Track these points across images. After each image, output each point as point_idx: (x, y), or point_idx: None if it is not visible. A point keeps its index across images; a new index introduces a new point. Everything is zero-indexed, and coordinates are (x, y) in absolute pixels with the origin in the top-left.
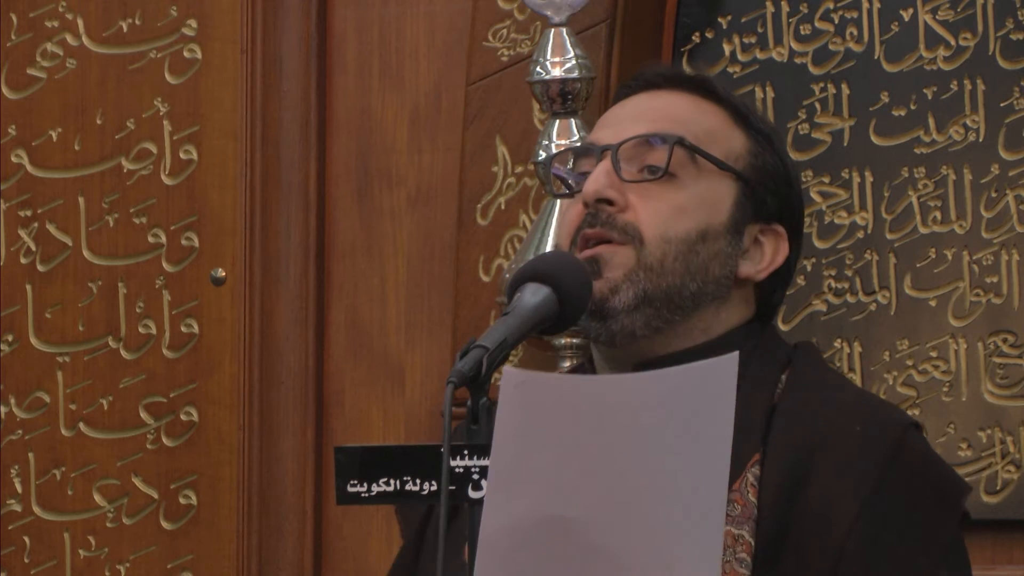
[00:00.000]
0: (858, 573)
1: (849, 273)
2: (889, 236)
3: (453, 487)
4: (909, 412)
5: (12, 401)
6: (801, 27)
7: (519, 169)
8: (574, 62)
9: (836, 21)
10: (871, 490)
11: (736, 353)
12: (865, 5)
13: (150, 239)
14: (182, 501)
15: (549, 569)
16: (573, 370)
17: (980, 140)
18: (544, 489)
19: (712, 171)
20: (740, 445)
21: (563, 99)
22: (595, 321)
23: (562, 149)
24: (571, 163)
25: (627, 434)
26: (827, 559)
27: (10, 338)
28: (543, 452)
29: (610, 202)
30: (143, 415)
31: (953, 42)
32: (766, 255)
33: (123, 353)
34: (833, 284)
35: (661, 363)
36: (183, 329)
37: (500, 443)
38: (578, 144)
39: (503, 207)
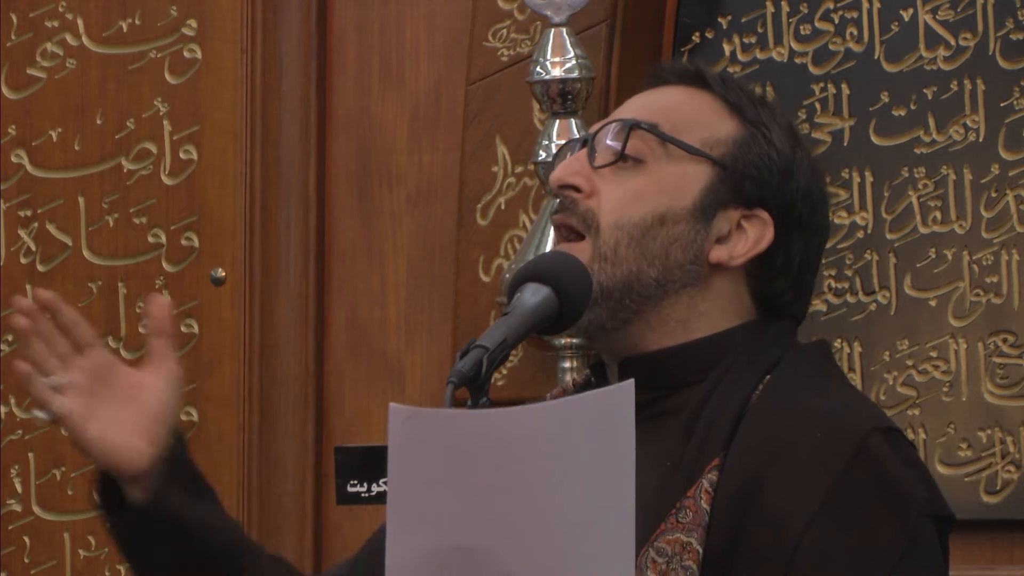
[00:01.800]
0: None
1: (849, 273)
2: (889, 236)
3: None
4: (909, 412)
5: (12, 401)
6: (801, 27)
7: (519, 169)
8: (574, 62)
9: (836, 21)
10: (824, 497)
11: (632, 381)
12: (865, 5)
13: (150, 239)
14: None
15: None
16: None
17: (980, 140)
18: (445, 520)
19: (683, 156)
20: (702, 449)
21: (563, 99)
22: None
23: (560, 149)
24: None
25: (524, 465)
26: (777, 567)
27: (10, 338)
28: (439, 485)
29: (577, 189)
30: None
31: (953, 42)
32: (749, 241)
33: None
34: (833, 284)
35: (646, 360)
36: (183, 329)
37: (395, 478)
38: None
39: (503, 207)
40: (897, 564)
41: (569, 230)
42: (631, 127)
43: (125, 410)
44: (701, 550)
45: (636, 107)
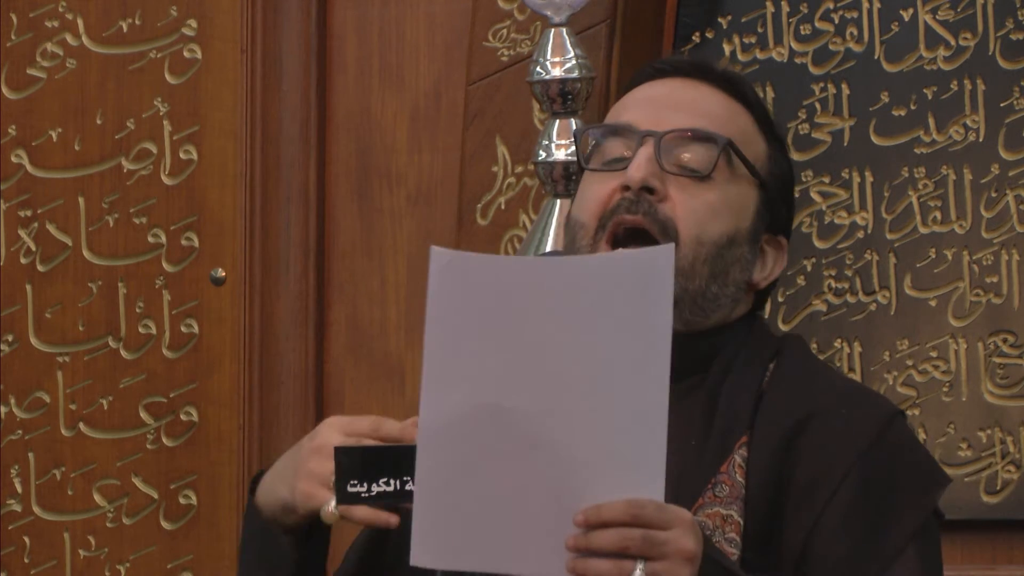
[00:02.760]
0: (827, 543)
1: (849, 273)
2: (889, 236)
3: None
4: (909, 412)
5: (12, 401)
6: (801, 27)
7: (519, 169)
8: (574, 62)
9: (836, 21)
10: (851, 465)
11: (672, 244)
12: (865, 5)
13: (150, 239)
14: (182, 501)
15: (490, 460)
16: None
17: (980, 140)
18: (480, 376)
19: (743, 176)
20: (728, 428)
21: (563, 99)
22: None
23: (598, 126)
24: (597, 140)
25: (563, 319)
26: (803, 528)
27: (10, 338)
28: (477, 337)
29: (651, 190)
30: (143, 415)
31: (953, 42)
32: (768, 263)
33: (123, 353)
34: (833, 284)
35: None
36: (183, 329)
37: (433, 329)
38: (615, 126)
39: (503, 207)
40: (916, 533)
41: (636, 232)
42: (725, 145)
43: None
44: (742, 521)
45: (686, 107)
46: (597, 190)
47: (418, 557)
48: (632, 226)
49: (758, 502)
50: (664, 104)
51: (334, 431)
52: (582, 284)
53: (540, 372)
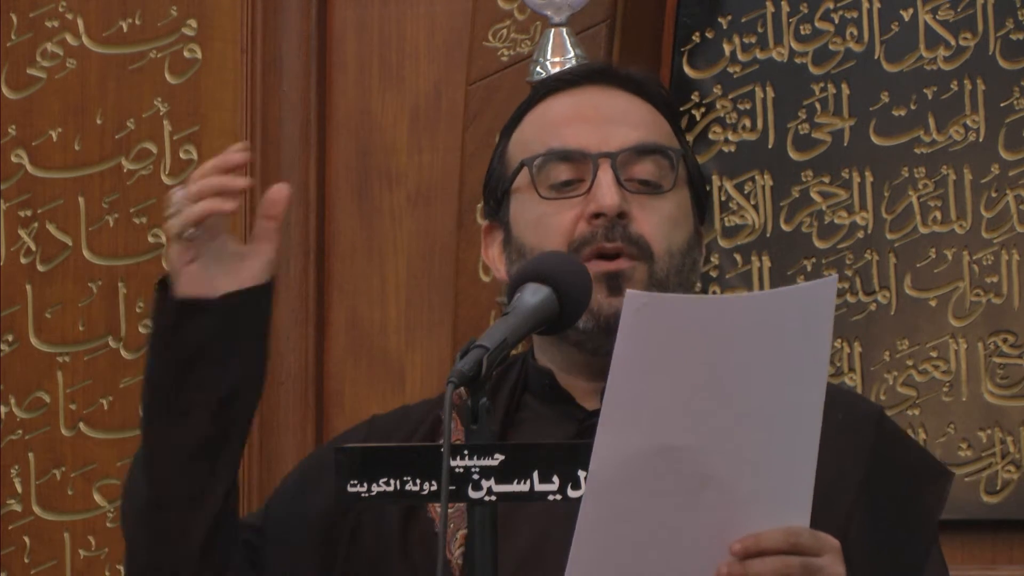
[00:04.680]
0: (861, 555)
1: (849, 273)
2: (889, 236)
3: (453, 487)
4: (909, 412)
5: (12, 401)
6: (801, 27)
7: None
8: (574, 62)
9: (836, 21)
10: (863, 475)
11: (835, 277)
12: (865, 5)
13: (150, 239)
14: None
15: (658, 502)
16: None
17: (980, 140)
18: (657, 419)
19: (681, 180)
20: None
21: None
22: (605, 335)
23: (543, 152)
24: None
25: (737, 353)
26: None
27: (10, 338)
28: (658, 379)
29: (622, 214)
30: None
31: (953, 42)
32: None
33: (123, 353)
34: None
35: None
36: None
37: (618, 373)
38: (560, 151)
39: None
40: (936, 534)
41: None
42: (680, 156)
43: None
44: None
45: (621, 118)
46: (559, 220)
47: None
48: (614, 252)
49: None
50: (597, 118)
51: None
52: (755, 319)
53: (709, 409)
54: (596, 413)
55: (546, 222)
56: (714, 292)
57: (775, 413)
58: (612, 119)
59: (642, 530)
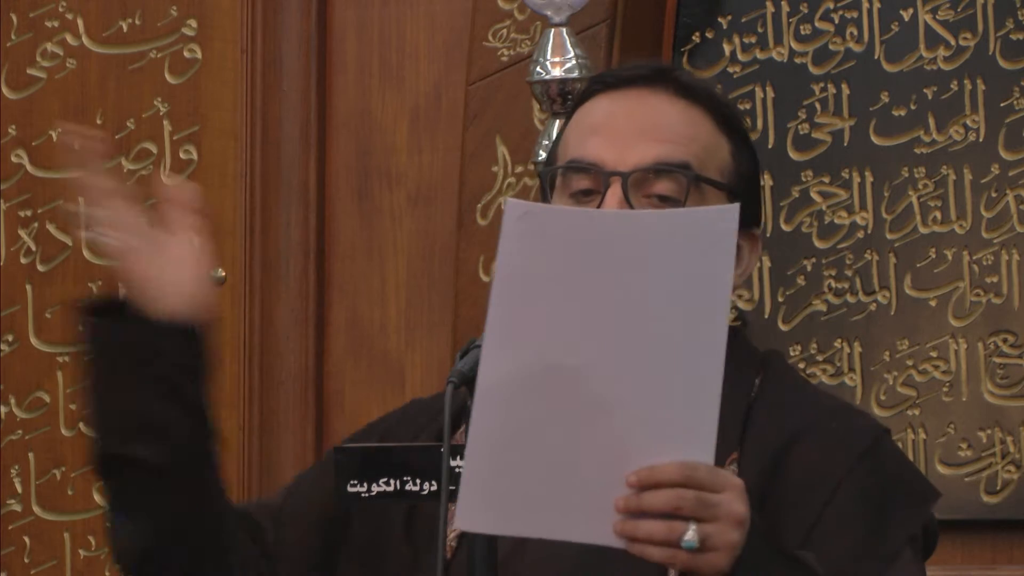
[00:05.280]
0: (824, 545)
1: (849, 273)
2: (889, 236)
3: (453, 487)
4: (909, 412)
5: (12, 401)
6: (801, 27)
7: (519, 169)
8: (574, 62)
9: (836, 21)
10: (842, 479)
11: (738, 204)
12: (865, 5)
13: None
14: None
15: (545, 421)
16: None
17: (980, 140)
18: (545, 336)
19: (711, 192)
20: (718, 445)
21: (563, 99)
22: None
23: (563, 165)
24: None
25: (628, 273)
26: (801, 534)
27: (10, 338)
28: (544, 294)
29: None
30: None
31: (953, 42)
32: (744, 259)
33: None
34: (833, 284)
35: None
36: None
37: (501, 284)
38: (577, 163)
39: (503, 207)
40: (908, 543)
41: None
42: (692, 180)
43: (170, 269)
44: None
45: (649, 133)
46: None
47: (464, 521)
48: None
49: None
50: (624, 132)
51: None
52: (648, 239)
53: (602, 328)
54: None
55: None
56: None
57: (670, 340)
58: (640, 132)
59: (536, 454)
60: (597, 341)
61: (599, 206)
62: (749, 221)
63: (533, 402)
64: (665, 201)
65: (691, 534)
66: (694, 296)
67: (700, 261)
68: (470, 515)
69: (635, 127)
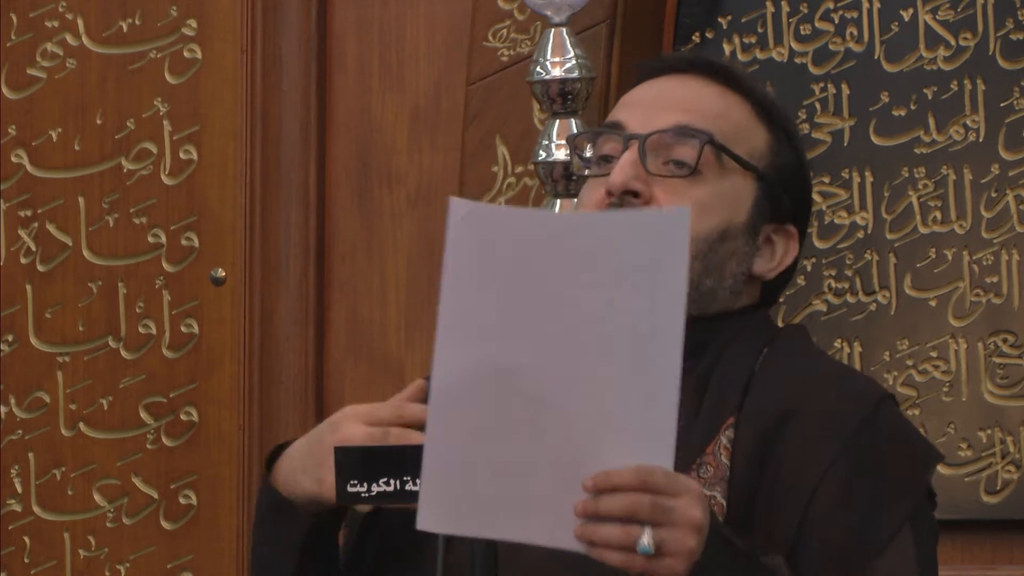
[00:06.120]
0: (820, 529)
1: (849, 273)
2: (889, 236)
3: None
4: (909, 412)
5: (12, 401)
6: (801, 27)
7: (519, 169)
8: (574, 62)
9: (836, 21)
10: (839, 451)
11: (687, 208)
12: (865, 5)
13: (150, 239)
14: (182, 501)
15: (501, 423)
16: None
17: (980, 140)
18: (497, 337)
19: (736, 169)
20: (716, 409)
21: (563, 99)
22: None
23: (588, 130)
24: (592, 142)
25: (578, 275)
26: (794, 516)
27: (10, 338)
28: (493, 294)
29: (635, 194)
30: (143, 415)
31: (953, 42)
32: (777, 254)
33: (123, 353)
34: (833, 284)
35: None
36: (183, 329)
37: (449, 284)
38: (604, 126)
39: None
40: (910, 515)
41: None
42: (705, 142)
43: None
44: (725, 503)
45: (676, 105)
46: (591, 195)
47: (424, 521)
48: None
49: (742, 484)
50: (655, 104)
51: (355, 423)
52: (598, 241)
53: (554, 331)
54: None
55: (582, 196)
56: None
57: (623, 342)
58: (668, 105)
59: (494, 455)
60: (548, 343)
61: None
62: (784, 216)
63: (487, 403)
64: (680, 167)
65: (646, 539)
66: (647, 298)
67: (652, 263)
68: (429, 516)
69: (665, 100)
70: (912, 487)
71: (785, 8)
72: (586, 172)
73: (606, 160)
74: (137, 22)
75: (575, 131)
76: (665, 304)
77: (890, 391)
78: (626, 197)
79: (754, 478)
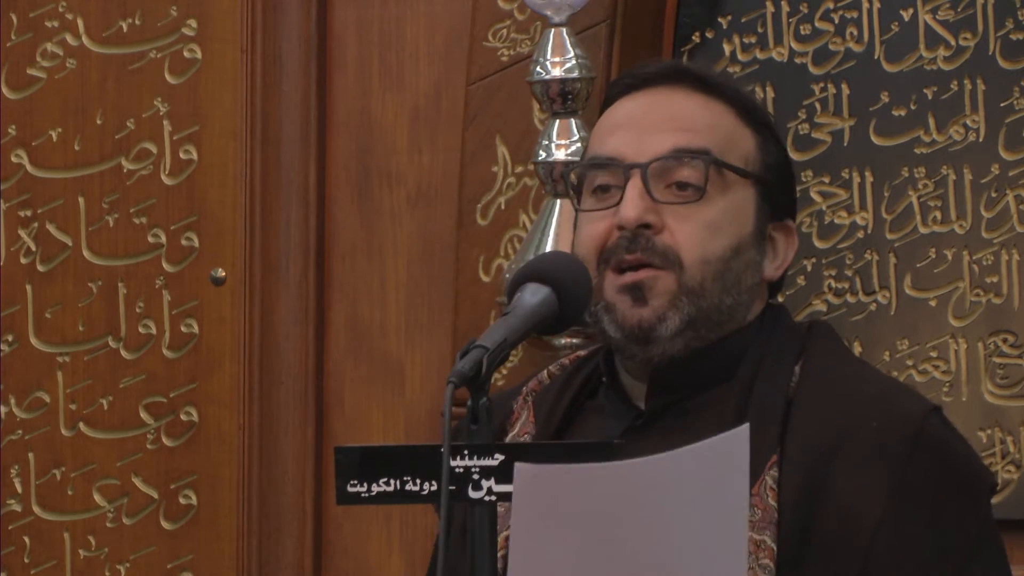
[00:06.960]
0: (887, 573)
1: (849, 273)
2: (889, 236)
3: (453, 487)
4: None
5: (12, 401)
6: (801, 27)
7: (519, 169)
8: (574, 62)
9: (836, 21)
10: (894, 487)
11: (747, 425)
12: (865, 5)
13: (150, 239)
14: (182, 501)
15: None
16: (579, 366)
17: (980, 140)
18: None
19: (736, 180)
20: (758, 446)
21: (563, 99)
22: (636, 345)
23: (584, 162)
24: (583, 173)
25: (644, 517)
26: (855, 560)
27: (10, 338)
28: (560, 545)
29: (648, 225)
30: (143, 415)
31: (953, 42)
32: (779, 252)
33: (123, 353)
34: (833, 284)
35: (677, 364)
36: (183, 329)
37: (518, 538)
38: (599, 159)
39: (503, 207)
40: (975, 544)
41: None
42: (710, 163)
43: None
44: (775, 547)
45: (666, 124)
46: (593, 228)
47: None
48: (636, 263)
49: (792, 527)
50: (644, 125)
51: None
52: (663, 481)
53: (623, 569)
54: (643, 414)
55: (581, 230)
56: None
57: (689, 565)
58: (660, 125)
59: None
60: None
61: (620, 201)
62: (782, 212)
63: None
64: (686, 189)
65: None
66: (713, 518)
67: (716, 488)
68: None
69: (653, 121)
70: (971, 516)
71: (785, 8)
72: (585, 208)
73: (603, 190)
74: (137, 22)
75: (575, 131)
76: (728, 524)
77: (931, 402)
78: (639, 230)
79: (805, 516)
